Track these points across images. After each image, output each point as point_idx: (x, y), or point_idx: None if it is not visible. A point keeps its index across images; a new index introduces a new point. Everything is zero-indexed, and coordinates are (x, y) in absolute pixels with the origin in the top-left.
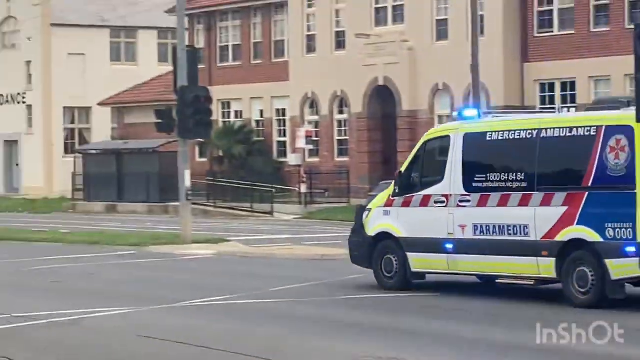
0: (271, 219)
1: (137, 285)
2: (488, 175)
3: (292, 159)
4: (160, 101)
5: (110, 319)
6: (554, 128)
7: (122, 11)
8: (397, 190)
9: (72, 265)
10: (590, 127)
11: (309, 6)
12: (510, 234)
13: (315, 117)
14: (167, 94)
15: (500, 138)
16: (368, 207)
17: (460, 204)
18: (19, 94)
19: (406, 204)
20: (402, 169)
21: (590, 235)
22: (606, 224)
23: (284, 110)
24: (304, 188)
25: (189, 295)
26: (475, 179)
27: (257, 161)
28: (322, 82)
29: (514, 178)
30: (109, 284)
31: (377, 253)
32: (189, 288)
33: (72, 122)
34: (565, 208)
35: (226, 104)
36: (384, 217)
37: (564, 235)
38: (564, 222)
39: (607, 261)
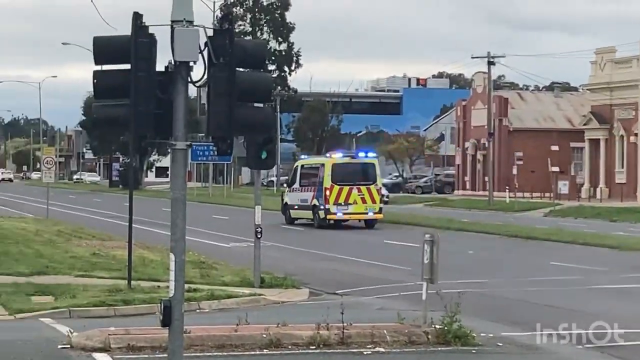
0: None
1: None
2: (303, 181)
3: None
4: None
5: None
6: (316, 163)
7: None
8: (287, 187)
9: None
10: (320, 163)
11: None
12: (306, 202)
13: None
14: None
15: (306, 166)
16: (285, 191)
17: (298, 191)
18: None
19: (290, 191)
20: (289, 178)
21: (317, 202)
22: (319, 199)
23: None
24: None
25: None
26: (302, 182)
27: None
28: None
29: (307, 182)
30: None
31: (284, 209)
32: None
33: None
34: (313, 193)
35: None
36: (286, 196)
37: (312, 202)
38: (312, 198)
39: (319, 212)
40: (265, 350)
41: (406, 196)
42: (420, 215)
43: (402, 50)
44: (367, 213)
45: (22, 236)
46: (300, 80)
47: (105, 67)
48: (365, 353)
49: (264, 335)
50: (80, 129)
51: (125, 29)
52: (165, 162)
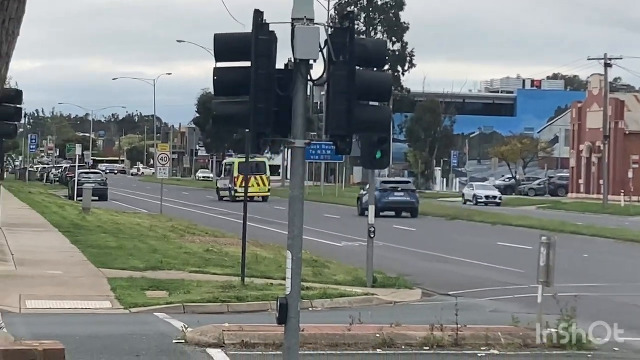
0: None
1: None
2: (225, 173)
3: None
4: None
5: None
6: (231, 162)
7: None
8: (218, 176)
9: None
10: (232, 162)
11: None
12: (226, 186)
13: None
14: None
15: (227, 164)
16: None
17: (223, 180)
18: None
19: (219, 179)
20: (219, 172)
21: (231, 186)
22: (231, 183)
23: None
24: None
25: None
26: (224, 174)
27: None
28: None
29: (227, 173)
30: None
31: (217, 191)
32: None
33: None
34: (229, 180)
35: None
36: (218, 182)
37: (229, 186)
38: (229, 183)
39: (232, 191)
40: (378, 350)
41: (519, 198)
42: (533, 217)
43: (517, 52)
44: (259, 192)
45: (136, 231)
46: (414, 80)
47: (226, 64)
48: (479, 355)
49: (378, 335)
50: (193, 126)
51: (238, 25)
52: (278, 160)
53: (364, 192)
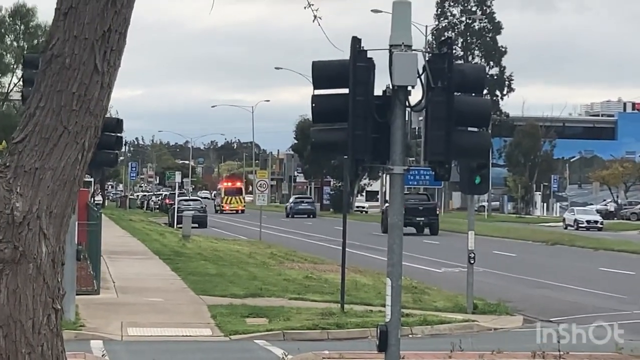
0: None
1: None
2: (217, 195)
3: None
4: None
5: None
6: (220, 188)
7: None
8: (215, 197)
9: None
10: (220, 188)
11: None
12: (218, 204)
13: None
14: None
15: (218, 189)
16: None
17: (216, 199)
18: None
19: (216, 198)
20: (216, 194)
21: (220, 203)
22: (220, 201)
23: None
24: None
25: None
26: (216, 195)
27: None
28: None
29: (218, 195)
30: None
31: (215, 208)
32: None
33: None
34: (219, 199)
35: None
36: (215, 201)
37: (219, 203)
38: (219, 201)
39: (220, 207)
40: None
41: (621, 223)
42: (635, 242)
43: (617, 74)
44: (238, 209)
45: (236, 258)
46: (512, 104)
47: (324, 91)
48: None
49: None
50: (292, 152)
51: (336, 51)
52: (376, 186)
53: (289, 204)
